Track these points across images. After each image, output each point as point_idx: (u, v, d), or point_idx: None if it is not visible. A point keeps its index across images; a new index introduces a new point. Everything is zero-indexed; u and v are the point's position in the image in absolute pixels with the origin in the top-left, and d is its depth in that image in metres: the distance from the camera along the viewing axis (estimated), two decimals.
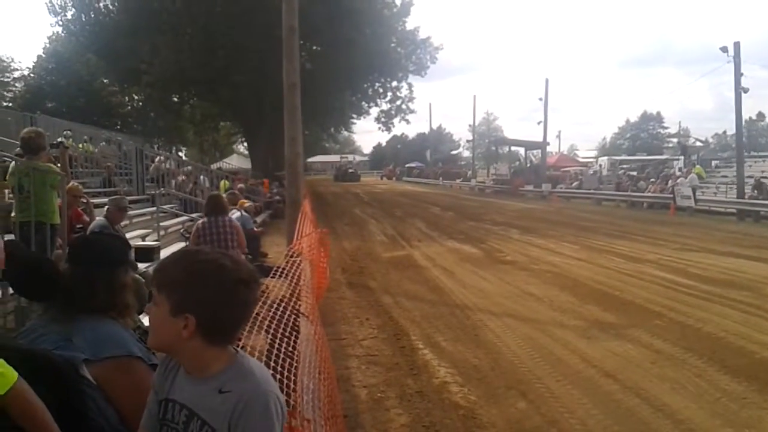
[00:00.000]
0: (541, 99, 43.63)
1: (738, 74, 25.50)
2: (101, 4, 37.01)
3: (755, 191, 25.15)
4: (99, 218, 7.92)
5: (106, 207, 8.02)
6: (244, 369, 1.66)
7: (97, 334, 2.13)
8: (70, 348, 2.05)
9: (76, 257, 2.36)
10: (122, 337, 2.19)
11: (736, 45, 25.64)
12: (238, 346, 1.78)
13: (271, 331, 3.32)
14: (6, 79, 53.83)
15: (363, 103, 45.73)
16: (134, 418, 1.92)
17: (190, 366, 1.68)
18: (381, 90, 43.82)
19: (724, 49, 25.85)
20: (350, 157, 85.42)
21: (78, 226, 7.78)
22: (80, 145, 17.42)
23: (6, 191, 7.25)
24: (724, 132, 77.45)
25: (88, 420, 1.96)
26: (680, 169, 33.31)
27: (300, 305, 4.39)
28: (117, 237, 2.62)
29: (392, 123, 46.91)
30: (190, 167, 19.93)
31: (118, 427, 2.03)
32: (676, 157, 42.44)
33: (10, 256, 2.38)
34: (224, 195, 14.76)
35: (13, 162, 7.00)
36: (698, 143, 48.97)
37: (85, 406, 1.97)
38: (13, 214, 6.54)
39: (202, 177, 19.22)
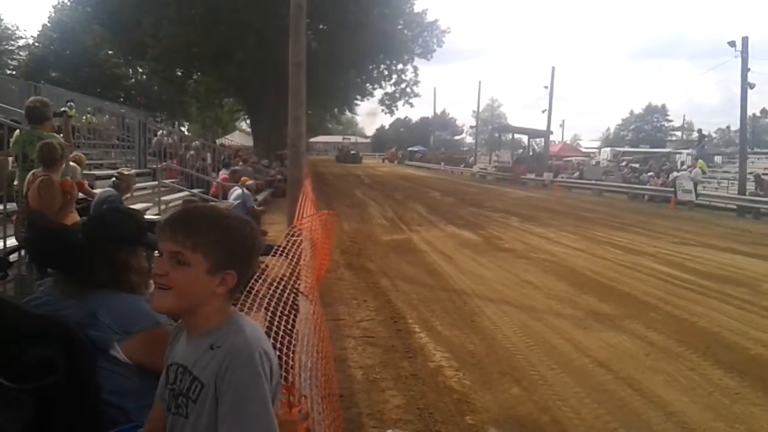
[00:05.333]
0: (546, 87, 43.42)
1: (745, 69, 25.34)
2: None
3: (757, 188, 25.13)
4: (108, 189, 7.96)
5: (113, 178, 8.08)
6: (235, 325, 1.70)
7: (121, 309, 2.15)
8: (97, 326, 2.07)
9: (84, 230, 2.37)
10: (144, 308, 2.20)
11: (744, 40, 25.46)
12: None
13: (271, 308, 3.34)
14: (10, 47, 53.67)
15: (367, 84, 45.34)
16: None
17: (198, 324, 1.71)
18: (386, 72, 43.45)
19: (732, 44, 25.68)
20: (352, 139, 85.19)
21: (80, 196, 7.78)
22: (85, 117, 17.34)
23: (10, 159, 7.26)
24: (728, 127, 77.25)
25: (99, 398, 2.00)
26: (689, 155, 33.16)
27: (299, 284, 4.41)
28: (131, 216, 2.59)
29: (396, 106, 46.58)
30: (197, 142, 19.87)
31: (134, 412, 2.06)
32: (679, 151, 42.34)
33: (32, 224, 2.39)
34: (227, 173, 14.84)
35: (18, 131, 7.01)
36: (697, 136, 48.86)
37: (97, 380, 2.00)
38: (15, 183, 6.55)
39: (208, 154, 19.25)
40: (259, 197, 17.51)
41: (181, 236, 1.64)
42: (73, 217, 5.79)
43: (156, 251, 1.73)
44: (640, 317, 7.78)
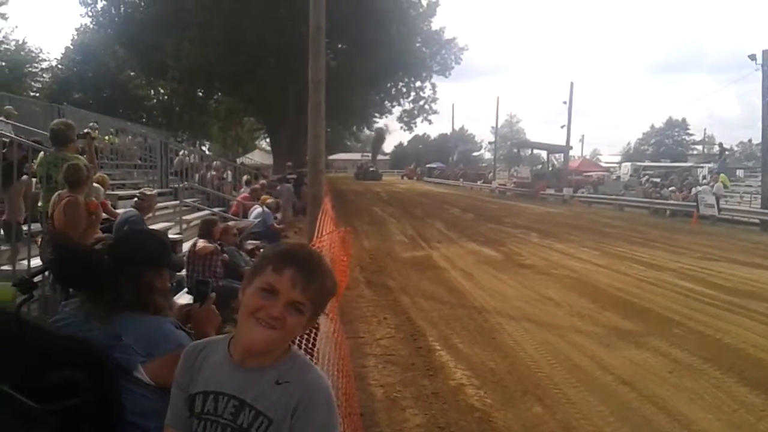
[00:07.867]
0: (565, 102, 43.37)
1: (766, 82, 25.03)
2: None
3: None
4: (130, 209, 8.06)
5: (135, 198, 8.18)
6: (300, 360, 1.67)
7: (145, 331, 2.16)
8: (122, 347, 2.09)
9: (110, 251, 2.38)
10: (169, 330, 2.23)
11: (765, 53, 25.19)
12: None
13: None
14: (34, 70, 54.46)
15: (386, 102, 45.70)
16: None
17: (262, 357, 1.63)
18: (404, 90, 43.75)
19: (753, 57, 25.44)
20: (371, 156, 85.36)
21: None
22: (107, 137, 17.58)
23: (34, 180, 7.37)
24: (750, 140, 76.19)
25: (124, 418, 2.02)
26: (710, 169, 32.94)
27: None
28: (156, 237, 2.59)
29: (415, 123, 46.98)
30: (217, 162, 20.03)
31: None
32: (701, 165, 41.98)
33: (56, 245, 2.41)
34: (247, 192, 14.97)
35: (42, 152, 7.13)
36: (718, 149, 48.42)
37: (121, 400, 2.02)
38: (39, 204, 6.65)
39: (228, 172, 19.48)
40: (279, 215, 17.55)
41: (313, 292, 1.59)
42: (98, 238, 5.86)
43: (265, 286, 1.59)
44: (663, 334, 7.70)
